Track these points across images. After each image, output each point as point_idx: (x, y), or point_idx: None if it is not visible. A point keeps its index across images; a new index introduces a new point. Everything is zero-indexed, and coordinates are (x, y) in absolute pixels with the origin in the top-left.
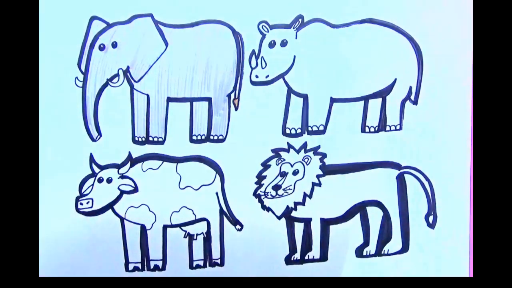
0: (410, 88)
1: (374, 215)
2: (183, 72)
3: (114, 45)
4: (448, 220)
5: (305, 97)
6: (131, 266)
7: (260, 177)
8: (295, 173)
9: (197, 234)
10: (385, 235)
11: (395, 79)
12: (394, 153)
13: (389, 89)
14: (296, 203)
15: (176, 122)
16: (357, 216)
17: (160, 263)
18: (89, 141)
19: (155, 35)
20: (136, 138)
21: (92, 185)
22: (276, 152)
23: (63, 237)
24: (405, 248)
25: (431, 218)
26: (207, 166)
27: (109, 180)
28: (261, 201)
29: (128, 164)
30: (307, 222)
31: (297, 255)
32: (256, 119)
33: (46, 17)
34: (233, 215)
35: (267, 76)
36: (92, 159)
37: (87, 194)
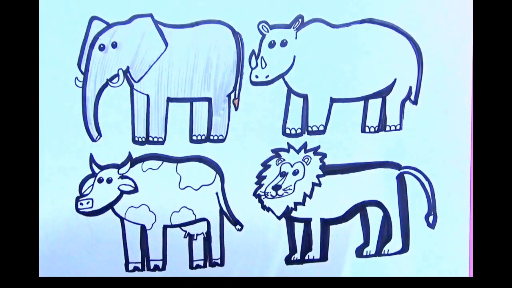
0: (410, 88)
1: (374, 215)
2: (183, 72)
3: (114, 45)
4: (448, 220)
5: (305, 97)
6: (131, 266)
7: (260, 177)
8: (295, 173)
9: (197, 234)
10: (385, 235)
11: (395, 79)
12: (394, 153)
13: (389, 89)
14: (296, 203)
15: (176, 122)
16: (357, 216)
17: (160, 263)
18: (89, 141)
19: (155, 35)
20: (136, 138)
21: (92, 185)
22: (276, 152)
23: (63, 237)
24: (405, 248)
25: (431, 218)
26: (207, 166)
27: (109, 180)
28: (261, 201)
29: (128, 164)
30: (307, 222)
31: (297, 255)
32: (256, 119)
33: (46, 17)
34: (233, 215)
35: (267, 76)
36: (92, 159)
37: (87, 194)
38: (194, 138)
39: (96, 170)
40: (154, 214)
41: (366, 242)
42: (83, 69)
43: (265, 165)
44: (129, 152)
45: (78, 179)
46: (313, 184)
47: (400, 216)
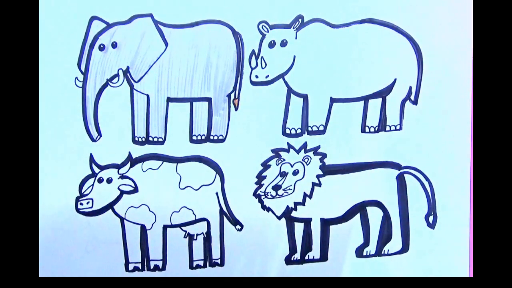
0: (410, 88)
1: (374, 215)
2: (183, 72)
3: (114, 45)
4: (448, 220)
5: (305, 97)
6: (131, 266)
7: (260, 177)
8: (295, 173)
9: (197, 234)
10: (385, 235)
11: (395, 79)
12: (394, 153)
13: (389, 89)
14: (296, 203)
15: (176, 122)
16: (357, 216)
17: (160, 263)
18: (89, 141)
19: (155, 35)
20: (136, 138)
21: (92, 185)
22: (276, 152)
23: (63, 237)
24: (405, 248)
25: (431, 218)
26: (207, 166)
27: (109, 180)
28: (261, 201)
29: (128, 164)
30: (307, 222)
31: (297, 255)
32: (256, 119)
33: (46, 17)
34: (233, 215)
35: (267, 76)
36: (92, 159)
37: (87, 194)
38: (194, 138)
39: (96, 170)
40: (154, 214)
41: (366, 242)
42: (83, 69)
43: (265, 165)
44: (129, 152)
45: (78, 179)
46: (313, 184)
47: (400, 216)
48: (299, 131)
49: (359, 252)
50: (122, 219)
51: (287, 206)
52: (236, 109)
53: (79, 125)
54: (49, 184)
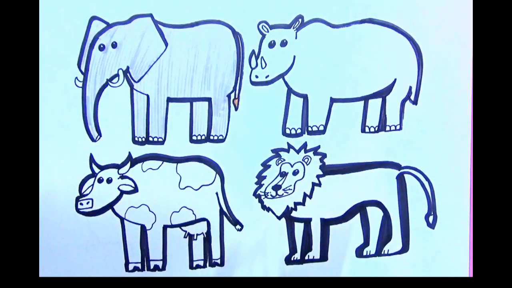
0: (410, 88)
1: (374, 215)
2: (183, 72)
3: (114, 45)
4: (448, 220)
5: (305, 97)
6: (131, 266)
7: (260, 177)
8: (295, 173)
9: (197, 234)
10: (385, 235)
11: (395, 79)
12: (394, 153)
13: (389, 89)
14: (296, 203)
15: (176, 122)
16: (357, 216)
17: (160, 263)
18: (89, 141)
19: (155, 35)
20: (136, 138)
21: (92, 185)
22: (276, 152)
23: (63, 237)
24: (405, 248)
25: (431, 218)
26: (207, 166)
27: (109, 180)
28: (261, 201)
29: (128, 164)
30: (307, 222)
31: (297, 255)
32: (256, 119)
33: (46, 17)
34: (233, 215)
35: (267, 76)
36: (92, 159)
37: (87, 194)
38: (194, 138)
39: (96, 170)
40: (154, 214)
41: (366, 242)
42: (83, 69)
43: (265, 165)
44: (129, 152)
45: (78, 179)
46: (313, 184)
47: (400, 216)
48: (299, 131)
49: (359, 252)
50: (122, 219)
51: (287, 206)
52: (236, 109)
53: (79, 125)
54: (49, 184)
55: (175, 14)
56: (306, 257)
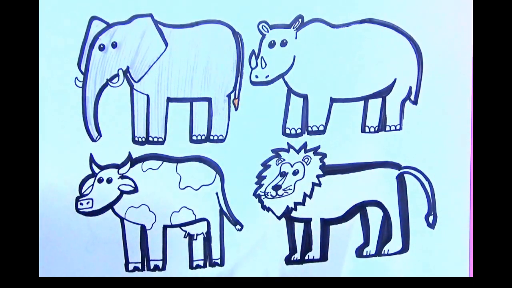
0: (410, 88)
1: (374, 215)
2: (183, 72)
3: (114, 45)
4: (448, 220)
5: (305, 97)
6: (131, 266)
7: (260, 177)
8: (295, 173)
9: (197, 234)
10: (385, 235)
11: (395, 79)
12: (394, 153)
13: (389, 89)
14: (296, 203)
15: (176, 122)
16: (357, 216)
17: (160, 263)
18: (89, 141)
19: (155, 35)
20: (136, 138)
21: (92, 185)
22: (276, 152)
23: (63, 237)
24: (405, 248)
25: (431, 218)
26: (207, 166)
27: (109, 180)
28: (261, 201)
29: (128, 164)
30: (307, 222)
31: (297, 255)
32: (256, 119)
33: (46, 17)
34: (233, 215)
35: (267, 76)
36: (92, 159)
37: (87, 194)
38: (194, 138)
39: (96, 170)
40: (154, 214)
41: (366, 242)
42: (83, 69)
43: (265, 165)
44: (129, 152)
45: (78, 179)
46: (313, 184)
47: (400, 216)
48: (299, 131)
49: (359, 252)
50: (122, 219)
51: (287, 206)
52: (236, 109)
53: (79, 125)
54: (49, 183)
55: (175, 14)
56: (306, 257)
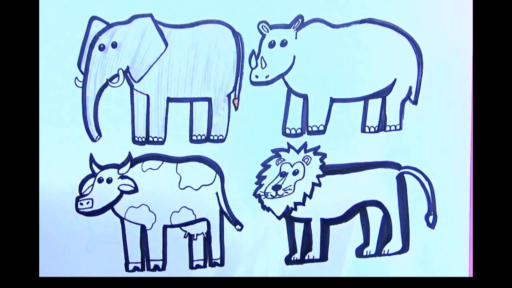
0: (410, 88)
1: (374, 215)
2: (183, 72)
3: (114, 45)
4: (448, 220)
5: (305, 97)
6: (131, 266)
7: (260, 177)
8: (295, 173)
9: (197, 234)
10: (385, 235)
11: (395, 79)
12: (394, 153)
13: (389, 89)
14: (296, 203)
15: (176, 122)
16: (357, 216)
17: (160, 263)
18: (89, 141)
19: (155, 35)
20: (136, 138)
21: (92, 185)
22: (276, 152)
23: (63, 237)
24: (405, 248)
25: (431, 218)
26: (207, 166)
27: (109, 180)
28: (261, 201)
29: (128, 164)
30: (307, 222)
31: (297, 255)
32: (256, 119)
33: (46, 17)
34: (233, 215)
35: (267, 76)
36: (92, 159)
37: (87, 194)
38: (194, 138)
39: (96, 170)
40: (154, 214)
41: (366, 242)
42: (83, 69)
43: (265, 165)
44: (129, 152)
45: (78, 179)
46: (313, 184)
47: (400, 216)
48: (299, 131)
49: (359, 252)
50: (122, 219)
51: (287, 206)
52: (236, 109)
53: (79, 125)
54: (49, 184)
55: (175, 14)
56: (306, 257)
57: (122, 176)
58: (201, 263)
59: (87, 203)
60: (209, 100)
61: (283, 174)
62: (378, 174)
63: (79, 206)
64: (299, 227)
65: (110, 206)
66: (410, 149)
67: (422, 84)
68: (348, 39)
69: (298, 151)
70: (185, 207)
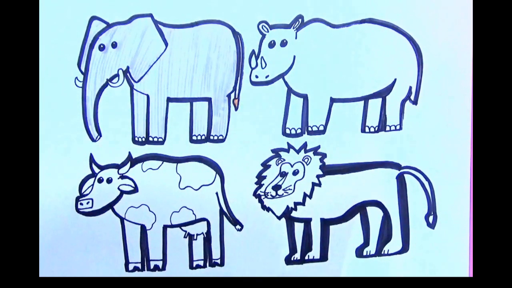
0: (410, 88)
1: (374, 215)
2: (183, 72)
3: (114, 45)
4: (448, 220)
5: (305, 97)
6: (131, 266)
7: (260, 177)
8: (295, 173)
9: (197, 234)
10: (385, 235)
11: (395, 79)
12: (394, 153)
13: (389, 89)
14: (296, 203)
15: (176, 122)
16: (357, 216)
17: (160, 263)
18: (89, 141)
19: (155, 35)
20: (136, 138)
21: (92, 185)
22: (276, 152)
23: (63, 237)
24: (405, 248)
25: (431, 218)
26: (207, 166)
27: (109, 180)
28: (261, 201)
29: (128, 164)
30: (307, 222)
31: (297, 255)
32: (256, 119)
33: (46, 17)
34: (233, 215)
35: (267, 76)
36: (92, 159)
37: (87, 194)
38: (194, 138)
39: (96, 170)
40: (154, 214)
41: (366, 242)
42: (83, 69)
43: (265, 165)
44: (129, 152)
45: (78, 179)
46: (313, 184)
47: (400, 216)
48: (299, 131)
49: (359, 252)
50: (122, 219)
51: (287, 206)
52: (236, 109)
53: (79, 125)
54: (49, 184)
55: (175, 14)
56: (306, 257)
57: (122, 176)
58: (201, 263)
59: (87, 203)
60: (209, 100)
61: (283, 174)
62: (378, 174)
63: (79, 206)
64: (299, 227)
65: (110, 206)
66: (410, 149)
67: (422, 84)
68: (348, 39)
69: (298, 151)
70: (185, 207)
